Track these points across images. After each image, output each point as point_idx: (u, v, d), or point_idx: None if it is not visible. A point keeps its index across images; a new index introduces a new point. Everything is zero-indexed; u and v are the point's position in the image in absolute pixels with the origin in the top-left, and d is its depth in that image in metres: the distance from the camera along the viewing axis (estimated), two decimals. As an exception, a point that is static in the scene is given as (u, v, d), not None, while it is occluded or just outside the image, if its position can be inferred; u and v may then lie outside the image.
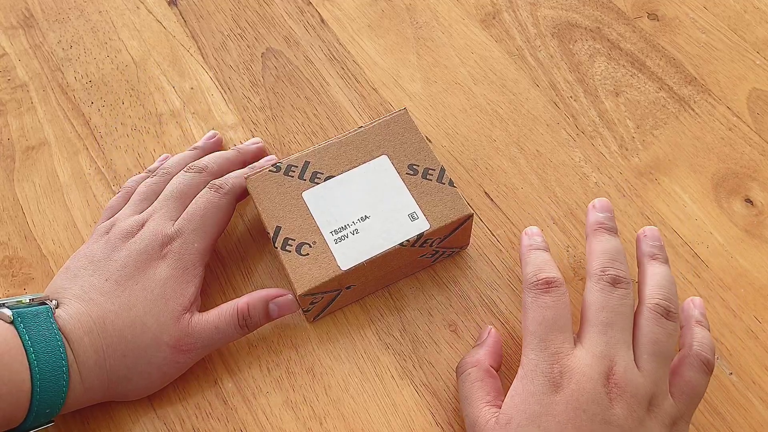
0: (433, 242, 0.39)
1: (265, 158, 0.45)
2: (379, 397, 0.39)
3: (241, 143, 0.47)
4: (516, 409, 0.32)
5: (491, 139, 0.46)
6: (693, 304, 0.38)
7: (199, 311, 0.39)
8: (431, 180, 0.39)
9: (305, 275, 0.37)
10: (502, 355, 0.38)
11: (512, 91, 0.48)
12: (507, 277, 0.42)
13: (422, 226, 0.38)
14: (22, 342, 0.33)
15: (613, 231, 0.37)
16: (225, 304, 0.39)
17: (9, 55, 0.53)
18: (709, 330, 0.36)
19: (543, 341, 0.33)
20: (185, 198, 0.41)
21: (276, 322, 0.41)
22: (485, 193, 0.44)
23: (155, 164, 0.45)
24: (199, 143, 0.46)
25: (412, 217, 0.38)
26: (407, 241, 0.38)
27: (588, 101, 0.47)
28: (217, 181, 0.41)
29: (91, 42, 0.53)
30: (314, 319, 0.41)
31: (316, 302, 0.38)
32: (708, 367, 0.34)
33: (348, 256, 0.37)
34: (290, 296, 0.39)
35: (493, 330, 0.38)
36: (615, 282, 0.34)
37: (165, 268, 0.38)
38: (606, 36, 0.50)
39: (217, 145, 0.47)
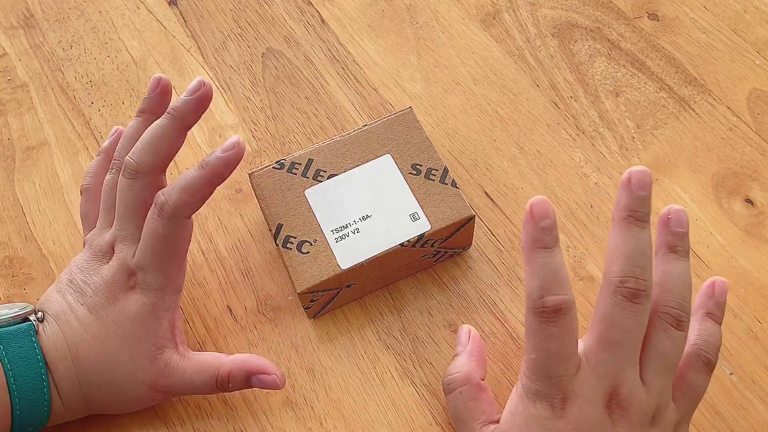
0: (434, 243, 0.39)
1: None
2: (379, 397, 0.39)
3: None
4: (516, 430, 0.31)
5: (491, 139, 0.46)
6: (712, 291, 0.34)
7: (182, 344, 0.37)
8: (434, 180, 0.39)
9: (305, 273, 0.37)
10: (485, 359, 0.37)
11: (512, 91, 0.48)
12: (507, 277, 0.42)
13: (423, 226, 0.38)
14: (1, 363, 0.33)
15: (645, 220, 0.30)
16: (208, 357, 0.37)
17: (9, 55, 0.53)
18: (720, 321, 0.34)
19: (546, 369, 0.30)
20: (136, 213, 0.36)
21: (276, 322, 0.41)
22: (485, 193, 0.44)
23: (106, 143, 0.42)
24: (143, 103, 0.39)
25: (414, 217, 0.38)
26: (408, 241, 0.38)
27: (588, 101, 0.47)
28: (159, 199, 0.35)
29: (91, 42, 0.53)
30: (315, 316, 0.41)
31: (315, 300, 0.38)
32: (710, 368, 0.33)
33: (348, 255, 0.37)
34: (274, 377, 0.36)
35: (473, 331, 0.37)
36: (634, 296, 0.30)
37: (134, 303, 0.36)
38: (606, 36, 0.50)
39: (164, 96, 0.39)
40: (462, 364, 0.35)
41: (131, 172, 0.36)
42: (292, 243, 0.38)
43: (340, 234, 0.38)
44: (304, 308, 0.40)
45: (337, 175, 0.40)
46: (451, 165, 0.46)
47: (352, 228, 0.38)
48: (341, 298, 0.40)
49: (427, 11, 0.52)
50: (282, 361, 0.40)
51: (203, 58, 0.51)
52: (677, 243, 0.32)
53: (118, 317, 0.35)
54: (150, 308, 0.36)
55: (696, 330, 0.33)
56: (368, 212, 0.39)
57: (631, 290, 0.30)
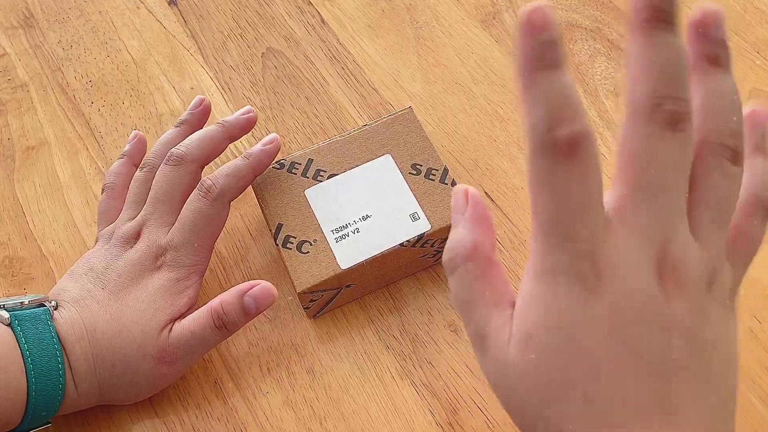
0: (434, 243, 0.39)
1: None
2: (379, 397, 0.39)
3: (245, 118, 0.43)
4: (536, 321, 0.24)
5: (491, 139, 0.46)
6: (752, 120, 0.27)
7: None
8: (434, 180, 0.39)
9: (305, 273, 0.37)
10: (492, 225, 0.27)
11: (512, 91, 0.48)
12: (507, 276, 0.42)
13: (423, 226, 0.38)
14: (19, 345, 0.33)
15: (671, 24, 0.23)
16: (201, 307, 0.37)
17: (9, 55, 0.53)
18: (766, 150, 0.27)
19: (566, 231, 0.23)
20: (173, 197, 0.39)
21: (276, 322, 0.41)
22: (485, 193, 0.44)
23: (128, 147, 0.43)
24: (184, 116, 0.43)
25: (414, 217, 0.38)
26: (407, 241, 0.38)
27: (588, 101, 0.47)
28: (206, 183, 0.38)
29: (91, 42, 0.53)
30: (315, 316, 0.41)
31: (315, 300, 0.38)
32: None
33: (348, 255, 0.37)
34: (264, 284, 0.36)
35: (470, 191, 0.27)
36: (675, 121, 0.22)
37: (158, 279, 0.37)
38: (606, 36, 0.50)
39: (205, 114, 0.44)
40: (464, 235, 0.27)
41: (176, 160, 0.39)
42: (292, 243, 0.38)
43: (340, 234, 0.38)
44: (304, 308, 0.40)
45: (337, 175, 0.40)
46: (451, 165, 0.46)
47: (352, 228, 0.38)
48: (341, 298, 0.40)
49: (427, 11, 0.52)
50: (282, 361, 0.40)
51: (203, 58, 0.51)
52: (718, 52, 0.25)
53: (140, 293, 0.37)
54: (174, 282, 0.37)
55: (747, 172, 0.26)
56: (368, 212, 0.39)
57: (671, 113, 0.22)
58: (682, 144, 0.23)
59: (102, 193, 0.42)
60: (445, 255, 0.27)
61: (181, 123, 0.43)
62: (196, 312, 0.37)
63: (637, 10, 0.23)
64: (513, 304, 0.25)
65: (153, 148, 0.42)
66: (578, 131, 0.22)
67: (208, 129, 0.41)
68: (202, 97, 0.44)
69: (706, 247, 0.24)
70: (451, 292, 0.27)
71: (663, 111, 0.22)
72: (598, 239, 0.23)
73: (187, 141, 0.40)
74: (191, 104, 0.43)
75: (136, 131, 0.44)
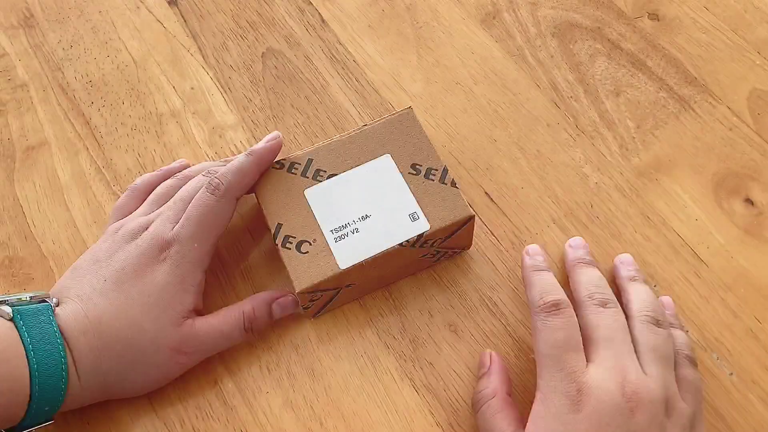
0: (433, 243, 0.39)
1: (268, 138, 0.42)
2: (379, 398, 0.39)
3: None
4: (541, 430, 0.33)
5: (492, 140, 0.46)
6: (662, 305, 0.39)
7: (199, 315, 0.39)
8: (434, 180, 0.39)
9: (304, 273, 0.37)
10: (509, 377, 0.38)
11: (512, 92, 0.48)
12: (507, 277, 0.42)
13: (422, 226, 0.38)
14: (22, 339, 0.34)
15: (592, 264, 0.39)
16: (227, 308, 0.39)
17: (9, 55, 0.53)
18: (681, 327, 0.39)
19: (558, 362, 0.33)
20: (187, 201, 0.40)
21: (276, 322, 0.41)
22: (485, 193, 0.44)
23: (169, 165, 0.45)
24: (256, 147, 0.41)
25: (413, 217, 0.38)
26: (407, 241, 0.38)
27: (588, 101, 0.47)
28: (214, 180, 0.39)
29: (91, 42, 0.53)
30: (314, 315, 0.41)
31: (315, 300, 0.38)
32: (693, 362, 0.37)
33: (347, 255, 0.37)
34: (291, 296, 0.40)
35: (493, 354, 0.38)
36: (604, 303, 0.36)
37: (163, 274, 0.37)
38: (606, 36, 0.50)
39: (271, 153, 0.42)
40: (488, 381, 0.37)
41: (213, 188, 0.39)
42: (292, 243, 0.38)
43: (340, 234, 0.38)
44: (304, 308, 0.40)
45: (336, 175, 0.40)
46: (451, 165, 0.46)
47: (352, 228, 0.38)
48: (341, 298, 0.40)
49: (427, 11, 0.52)
50: (282, 361, 0.40)
51: (203, 58, 0.51)
52: (635, 274, 0.40)
53: (145, 287, 0.37)
54: (180, 278, 0.38)
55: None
56: (368, 212, 0.39)
57: (600, 299, 0.36)
58: (614, 314, 0.36)
59: (126, 191, 0.43)
60: (474, 397, 0.37)
61: (226, 162, 0.42)
62: (224, 312, 0.39)
63: (570, 260, 0.40)
64: (524, 426, 0.34)
65: (195, 167, 0.43)
66: (559, 299, 0.35)
67: (241, 163, 0.40)
68: (277, 133, 0.42)
69: (655, 379, 0.33)
70: (479, 426, 0.36)
71: (595, 299, 0.36)
72: (580, 369, 0.33)
73: (224, 170, 0.39)
74: (266, 137, 0.42)
75: (184, 160, 0.46)
